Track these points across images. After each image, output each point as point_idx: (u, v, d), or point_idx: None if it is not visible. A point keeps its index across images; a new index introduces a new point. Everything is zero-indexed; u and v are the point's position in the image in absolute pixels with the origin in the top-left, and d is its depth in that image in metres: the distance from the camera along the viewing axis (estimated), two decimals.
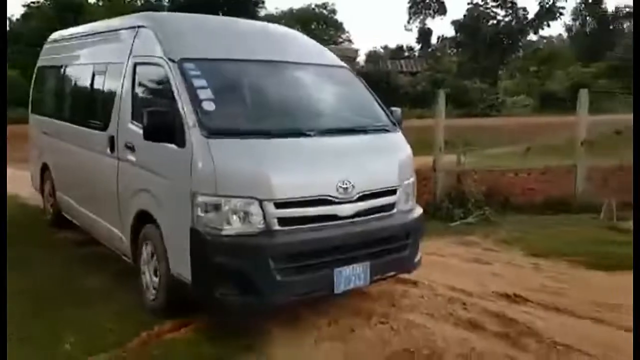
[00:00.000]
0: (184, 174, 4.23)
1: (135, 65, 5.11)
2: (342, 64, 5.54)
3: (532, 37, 46.06)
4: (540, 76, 32.29)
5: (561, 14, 43.51)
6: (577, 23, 51.77)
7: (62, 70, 7.00)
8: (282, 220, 4.18)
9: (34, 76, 7.91)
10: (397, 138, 5.03)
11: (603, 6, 50.24)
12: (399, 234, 4.74)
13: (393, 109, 5.33)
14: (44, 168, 7.32)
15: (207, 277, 4.15)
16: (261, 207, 4.12)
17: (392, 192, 4.72)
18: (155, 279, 4.72)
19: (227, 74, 4.76)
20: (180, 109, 4.30)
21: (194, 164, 4.15)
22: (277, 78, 4.99)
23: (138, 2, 33.61)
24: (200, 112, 4.25)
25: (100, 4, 32.62)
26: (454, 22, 46.21)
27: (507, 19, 44.05)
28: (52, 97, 7.33)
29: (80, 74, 6.44)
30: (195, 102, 4.31)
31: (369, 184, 4.53)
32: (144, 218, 4.83)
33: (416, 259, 4.90)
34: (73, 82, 6.70)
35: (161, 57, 4.67)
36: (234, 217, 4.11)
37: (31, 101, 7.93)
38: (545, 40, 50.82)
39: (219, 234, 4.09)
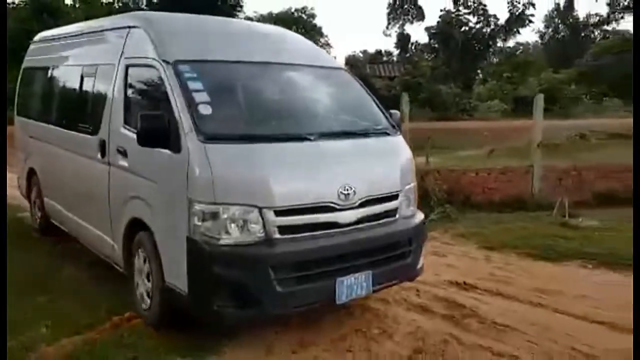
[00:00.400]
0: (179, 181, 3.99)
1: (127, 67, 4.86)
2: (340, 65, 5.32)
3: (510, 43, 47.24)
4: (514, 82, 32.79)
5: (530, 21, 45.27)
6: (550, 30, 52.38)
7: (49, 71, 6.70)
8: (283, 229, 3.97)
9: (20, 77, 7.58)
10: (398, 141, 4.83)
11: (574, 13, 51.14)
12: (402, 241, 4.54)
13: (392, 111, 5.13)
14: (31, 173, 7.01)
15: (204, 288, 3.92)
16: (261, 215, 3.90)
17: (394, 197, 4.52)
18: (149, 289, 4.45)
19: (223, 76, 4.53)
20: (176, 113, 4.05)
21: (190, 170, 3.91)
22: (275, 80, 4.77)
23: (115, 4, 33.09)
24: (197, 116, 4.02)
25: (77, 5, 32.09)
26: (427, 29, 47.31)
27: (478, 26, 45.71)
28: (39, 99, 7.02)
29: (68, 75, 6.16)
30: (191, 105, 4.07)
31: (371, 189, 4.33)
32: (136, 226, 4.57)
33: (419, 266, 4.71)
34: (61, 84, 6.41)
35: (155, 59, 4.42)
36: (233, 225, 3.88)
37: (17, 103, 7.57)
38: (521, 47, 51.45)
39: (217, 244, 3.86)
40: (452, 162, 12.56)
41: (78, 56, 6.04)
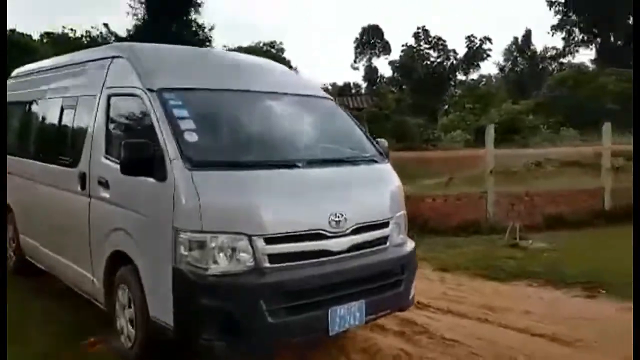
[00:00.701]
0: (165, 210, 3.82)
1: (109, 97, 4.73)
2: (326, 95, 5.26)
3: (474, 75, 48.94)
4: (476, 113, 33.82)
5: (488, 55, 46.86)
6: (509, 63, 54.22)
7: (27, 106, 6.53)
8: (273, 257, 3.81)
9: None
10: (386, 169, 4.75)
11: (532, 47, 53.18)
12: (394, 269, 4.41)
13: (379, 140, 5.05)
14: (6, 210, 6.69)
15: (191, 321, 3.72)
16: (250, 243, 3.75)
17: (385, 225, 4.40)
18: (132, 325, 4.20)
19: (208, 104, 4.42)
20: (161, 141, 3.92)
21: (176, 199, 3.74)
22: (261, 108, 4.67)
23: (84, 39, 33.12)
24: (182, 144, 3.88)
25: (45, 41, 31.99)
26: (390, 62, 48.73)
27: (439, 60, 47.84)
28: (16, 134, 6.79)
29: (47, 109, 5.99)
30: (177, 133, 3.95)
31: (361, 216, 4.20)
32: (118, 259, 4.36)
33: (410, 296, 4.55)
34: (40, 118, 6.23)
35: (139, 88, 4.31)
36: (221, 254, 3.72)
37: None
38: (484, 79, 53.14)
39: (205, 274, 3.68)
40: (413, 189, 13.01)
41: (57, 89, 5.89)
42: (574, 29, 48.48)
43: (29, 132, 6.43)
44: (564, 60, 50.57)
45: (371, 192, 4.47)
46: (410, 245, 4.73)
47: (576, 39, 48.97)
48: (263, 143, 4.41)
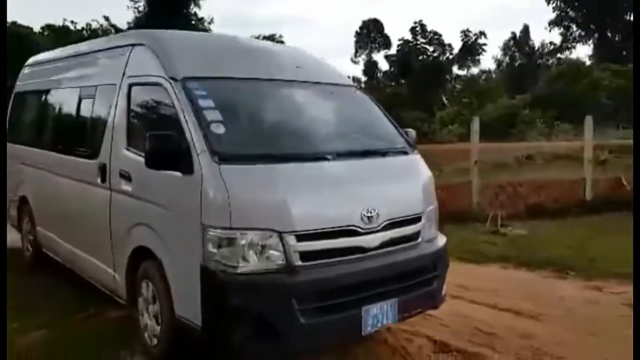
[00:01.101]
0: (191, 205, 3.62)
1: (130, 86, 4.51)
2: (352, 83, 5.01)
3: (474, 70, 48.97)
4: (473, 107, 33.76)
5: (483, 50, 47.11)
6: (507, 58, 54.01)
7: (44, 95, 6.32)
8: (304, 255, 3.61)
9: (11, 103, 7.14)
10: (417, 161, 4.52)
11: (530, 42, 52.92)
12: (427, 266, 4.20)
13: (407, 130, 4.82)
14: (22, 201, 6.52)
15: (220, 321, 3.52)
16: (281, 240, 3.54)
17: (417, 219, 4.19)
18: (156, 323, 4.02)
19: (234, 93, 4.19)
20: (187, 132, 3.70)
21: (204, 194, 3.54)
22: (289, 98, 4.45)
23: (84, 32, 32.99)
24: (209, 136, 3.67)
25: (46, 33, 31.83)
26: (387, 57, 48.42)
27: (435, 54, 48.22)
28: (32, 124, 6.61)
29: (65, 98, 5.78)
30: (203, 124, 3.73)
31: (394, 211, 3.99)
32: (142, 254, 4.15)
33: (443, 293, 4.34)
34: (57, 108, 6.03)
35: (161, 77, 4.09)
36: (251, 252, 3.52)
37: (8, 130, 7.11)
38: (485, 74, 53.15)
39: (234, 272, 3.48)
40: None
41: (75, 78, 5.68)
42: (572, 24, 48.41)
43: (46, 122, 6.24)
44: (562, 56, 50.54)
45: (403, 186, 4.26)
46: (442, 240, 4.52)
47: (574, 34, 48.89)
48: (292, 135, 4.20)
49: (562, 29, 49.19)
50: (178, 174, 3.75)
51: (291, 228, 3.57)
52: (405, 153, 4.55)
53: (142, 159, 3.92)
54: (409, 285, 4.06)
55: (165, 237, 3.92)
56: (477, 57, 48.38)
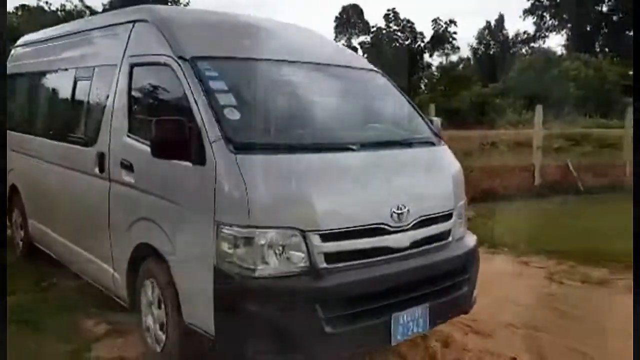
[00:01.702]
0: (204, 199, 3.20)
1: (132, 66, 4.05)
2: (374, 67, 4.58)
3: (454, 58, 49.39)
4: (446, 94, 34.02)
5: (454, 38, 47.45)
6: (482, 47, 54.18)
7: (36, 77, 5.84)
8: (330, 256, 3.21)
9: None
10: (445, 152, 4.12)
11: (504, 31, 53.31)
12: (458, 267, 3.80)
13: (432, 118, 4.40)
14: (12, 191, 6.04)
15: (236, 330, 3.12)
16: (304, 240, 3.13)
17: (448, 216, 3.80)
18: (161, 328, 3.60)
19: (249, 75, 3.76)
20: (198, 118, 3.27)
21: (218, 187, 3.11)
22: (307, 82, 4.03)
23: (59, 13, 32.16)
24: (223, 122, 3.23)
25: (20, 14, 31.05)
26: (360, 44, 48.43)
27: (407, 42, 48.68)
28: (22, 109, 6.11)
29: (59, 81, 5.31)
30: (216, 109, 3.30)
31: (425, 207, 3.60)
32: (145, 252, 3.72)
33: (474, 296, 3.95)
34: (50, 91, 5.56)
35: (168, 56, 3.65)
36: (271, 253, 3.09)
37: None
38: (463, 62, 53.27)
39: (252, 275, 3.08)
40: None
41: (70, 59, 5.20)
42: (545, 14, 48.71)
43: (38, 106, 5.76)
44: (535, 45, 50.74)
45: (433, 180, 3.86)
46: (472, 239, 4.12)
47: (547, 24, 49.11)
48: (312, 122, 3.77)
49: (535, 18, 49.49)
50: (188, 164, 3.32)
51: (316, 226, 3.16)
52: (433, 144, 4.14)
53: (147, 148, 3.49)
54: (441, 289, 3.66)
55: (173, 234, 3.50)
56: (447, 45, 48.79)
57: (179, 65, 3.55)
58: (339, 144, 3.59)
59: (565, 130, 16.12)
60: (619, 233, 5.12)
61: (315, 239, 3.17)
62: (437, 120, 4.47)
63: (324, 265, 3.19)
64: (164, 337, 3.64)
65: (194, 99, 3.37)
